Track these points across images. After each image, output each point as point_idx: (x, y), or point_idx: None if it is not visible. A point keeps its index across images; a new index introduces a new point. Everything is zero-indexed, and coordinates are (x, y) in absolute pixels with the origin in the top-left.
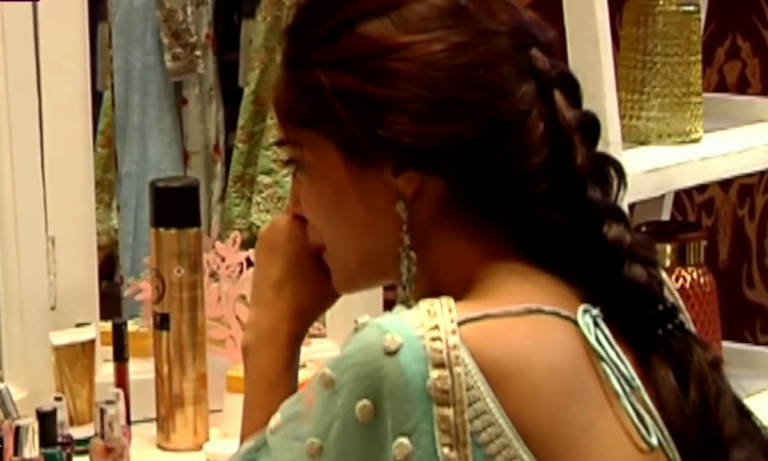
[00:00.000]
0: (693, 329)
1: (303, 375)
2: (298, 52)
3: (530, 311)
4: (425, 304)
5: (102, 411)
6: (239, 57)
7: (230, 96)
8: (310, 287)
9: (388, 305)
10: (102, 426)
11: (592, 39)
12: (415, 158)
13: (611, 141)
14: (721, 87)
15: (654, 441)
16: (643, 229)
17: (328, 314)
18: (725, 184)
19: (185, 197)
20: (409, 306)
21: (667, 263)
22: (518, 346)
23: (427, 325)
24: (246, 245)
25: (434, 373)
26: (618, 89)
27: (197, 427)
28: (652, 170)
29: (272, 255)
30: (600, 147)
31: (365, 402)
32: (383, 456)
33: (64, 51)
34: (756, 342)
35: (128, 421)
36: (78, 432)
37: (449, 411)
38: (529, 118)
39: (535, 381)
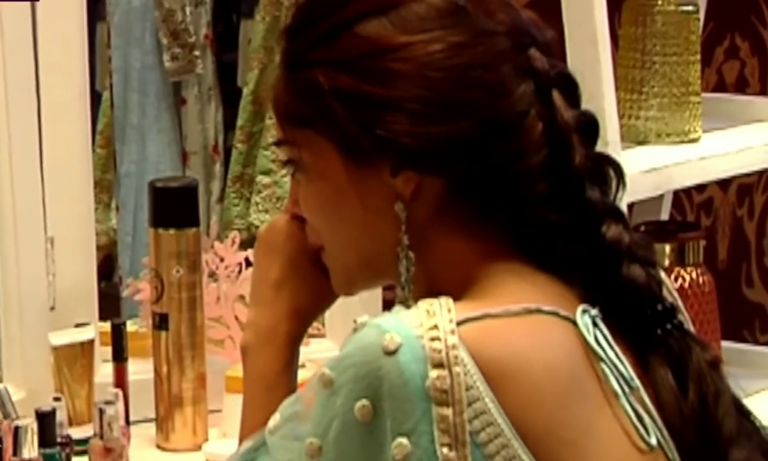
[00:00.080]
0: (692, 329)
1: (302, 375)
2: (296, 52)
3: (529, 311)
4: (424, 304)
5: (101, 412)
6: (238, 57)
7: (229, 96)
8: (309, 287)
9: (387, 305)
10: (101, 427)
11: (591, 39)
12: (413, 158)
13: (610, 141)
14: (720, 87)
15: (653, 441)
16: (642, 229)
17: (327, 314)
18: (724, 183)
19: (184, 197)
20: (408, 306)
21: (666, 263)
22: (517, 346)
23: (426, 325)
24: (245, 245)
25: (433, 373)
26: (617, 89)
27: (196, 427)
28: (651, 170)
29: (271, 255)
30: (599, 147)
31: (364, 401)
32: (382, 456)
33: (62, 51)
34: (755, 342)
35: (127, 421)
36: (77, 433)
37: (448, 411)
38: (527, 118)
39: (535, 380)
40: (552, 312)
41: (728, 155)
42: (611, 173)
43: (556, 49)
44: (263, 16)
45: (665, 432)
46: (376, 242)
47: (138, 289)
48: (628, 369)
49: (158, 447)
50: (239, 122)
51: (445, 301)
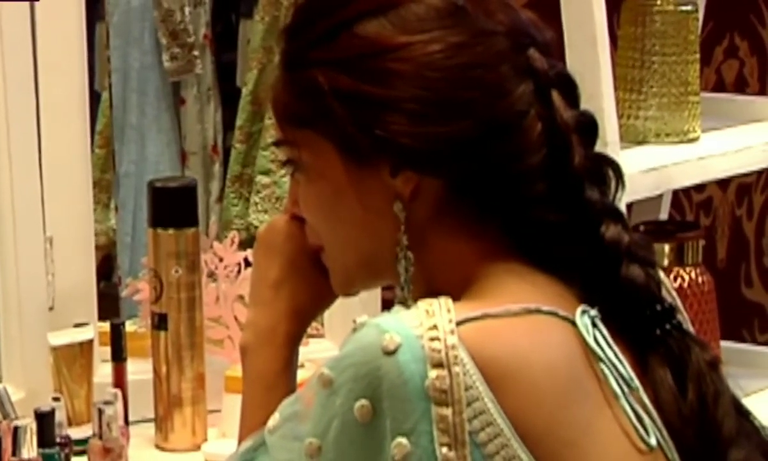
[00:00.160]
0: (691, 329)
1: (301, 374)
2: (295, 53)
3: (529, 311)
4: (424, 304)
5: (100, 412)
6: (237, 57)
7: (228, 96)
8: (308, 288)
9: (387, 305)
10: (100, 427)
11: (590, 39)
12: (412, 158)
13: (609, 141)
14: (719, 86)
15: (653, 441)
16: (641, 229)
17: (327, 314)
18: (723, 183)
19: (183, 197)
20: (407, 306)
21: (666, 262)
22: (517, 346)
23: (425, 325)
24: (244, 245)
25: (433, 373)
26: (616, 89)
27: (195, 427)
28: (650, 170)
29: (270, 255)
30: (598, 147)
31: (364, 401)
32: (382, 456)
33: (61, 51)
34: (754, 342)
35: (126, 421)
36: (76, 433)
37: (448, 411)
38: (526, 118)
39: (534, 380)
40: (551, 312)
41: (727, 155)
42: (610, 173)
43: (556, 50)
44: (262, 16)
45: (665, 433)
46: (376, 242)
47: (137, 289)
48: (628, 370)
49: (157, 447)
50: (238, 122)
51: (445, 301)
